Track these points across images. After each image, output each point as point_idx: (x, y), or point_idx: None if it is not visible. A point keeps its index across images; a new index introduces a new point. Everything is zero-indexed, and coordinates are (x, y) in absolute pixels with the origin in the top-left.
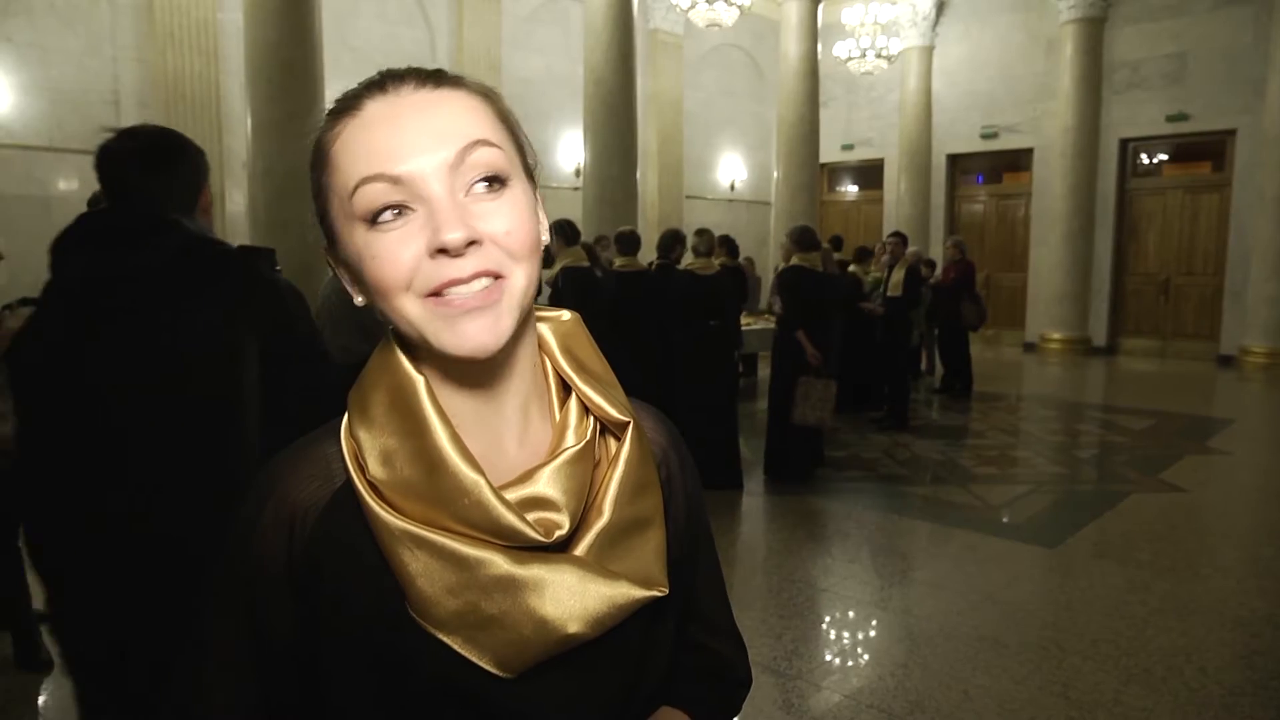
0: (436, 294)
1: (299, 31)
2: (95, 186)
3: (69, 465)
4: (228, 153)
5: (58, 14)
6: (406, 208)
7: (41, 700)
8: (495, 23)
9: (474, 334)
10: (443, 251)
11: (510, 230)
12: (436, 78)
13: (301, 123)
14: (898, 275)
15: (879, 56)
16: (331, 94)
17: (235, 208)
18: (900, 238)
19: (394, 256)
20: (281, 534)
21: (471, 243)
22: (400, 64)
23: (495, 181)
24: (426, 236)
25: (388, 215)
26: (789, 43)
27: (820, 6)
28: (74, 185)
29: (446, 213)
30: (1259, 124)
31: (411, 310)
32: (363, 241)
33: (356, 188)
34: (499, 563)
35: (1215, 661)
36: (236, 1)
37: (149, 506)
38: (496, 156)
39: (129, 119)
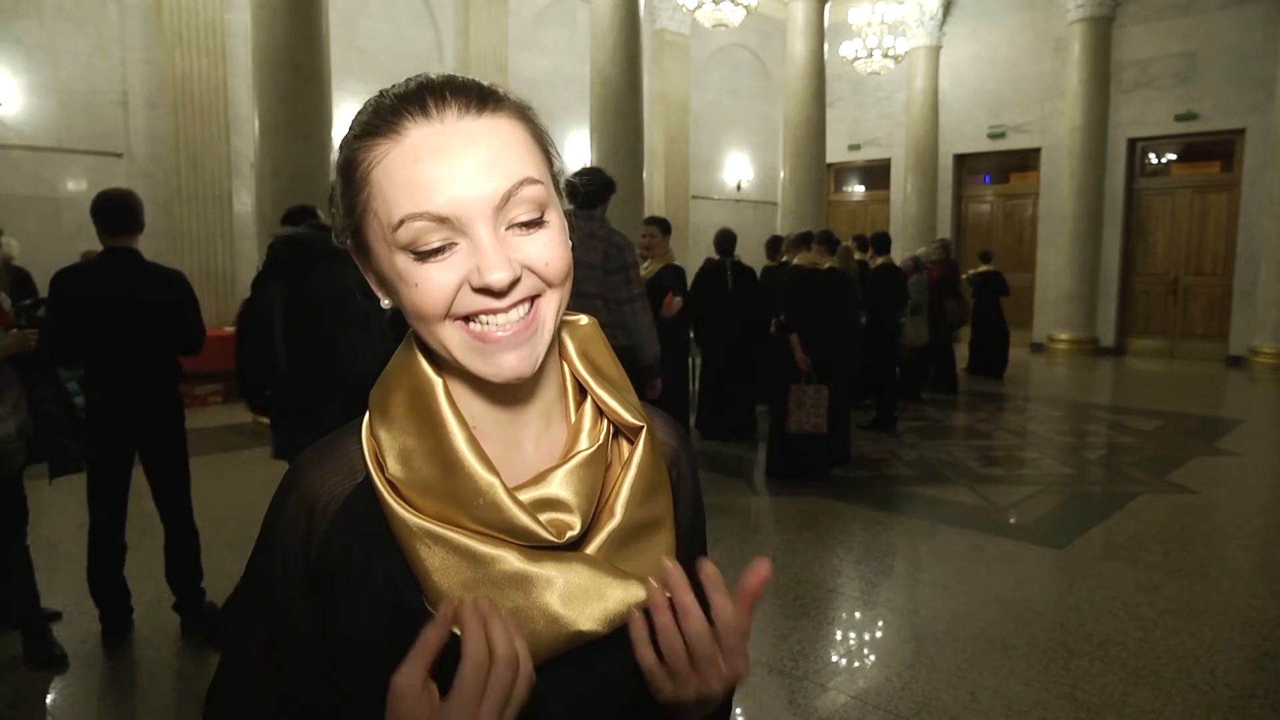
0: (475, 321)
1: (306, 32)
2: (102, 186)
3: None
4: (235, 153)
5: (66, 15)
6: (450, 242)
7: (50, 698)
8: (502, 23)
9: (510, 365)
10: (485, 289)
11: (549, 261)
12: (480, 100)
13: (309, 123)
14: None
15: (886, 56)
16: (339, 95)
17: (242, 208)
18: (878, 236)
19: (436, 287)
20: (302, 527)
21: (514, 281)
22: (407, 65)
23: (537, 216)
24: (468, 270)
25: (431, 248)
26: (795, 43)
27: (827, 6)
28: (82, 186)
29: (490, 253)
30: (1268, 123)
31: (449, 337)
32: (403, 268)
33: (401, 223)
34: (512, 559)
35: (1224, 664)
36: (244, 2)
37: None
38: (540, 193)
39: (137, 120)
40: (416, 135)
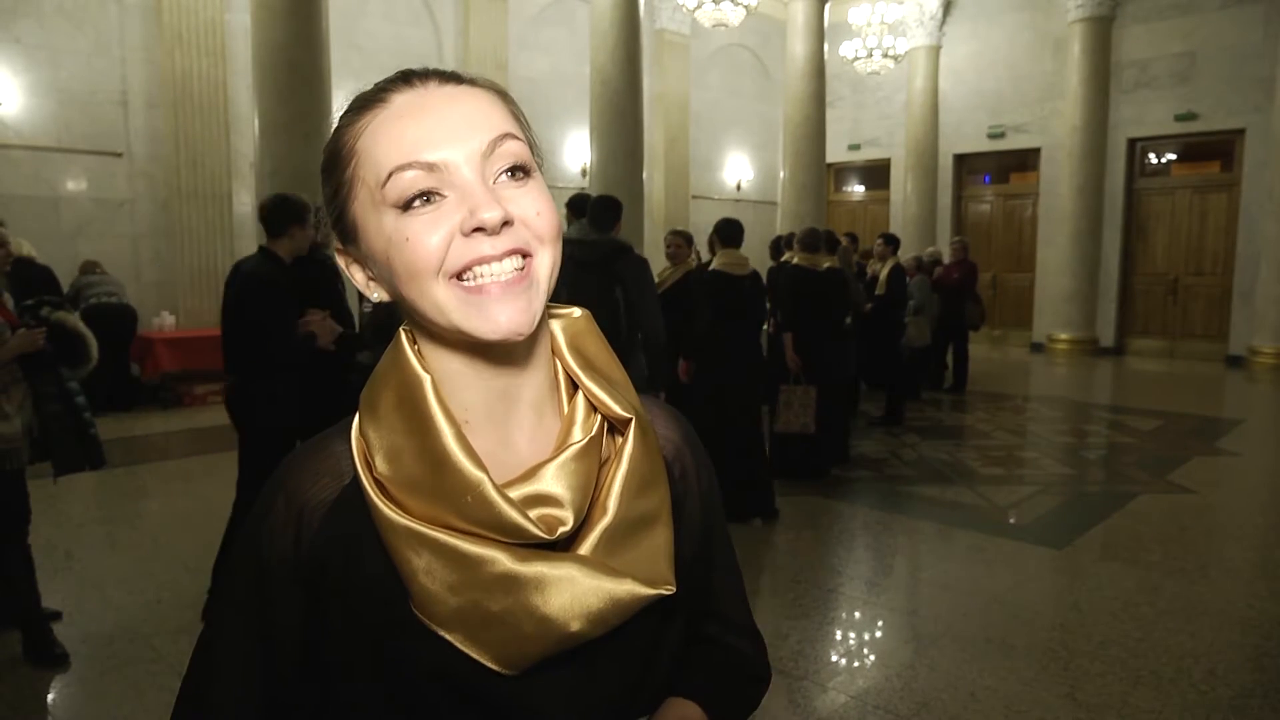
0: (468, 276)
1: (306, 32)
2: (102, 186)
3: None
4: (235, 153)
5: (66, 15)
6: (438, 194)
7: (50, 698)
8: (502, 23)
9: (507, 317)
10: (478, 230)
11: (540, 211)
12: (456, 76)
13: (309, 123)
14: (883, 274)
15: (886, 56)
16: (339, 95)
17: (242, 208)
18: (885, 239)
19: (427, 238)
20: (289, 530)
21: (505, 223)
22: (407, 64)
23: (520, 171)
24: (460, 217)
25: (419, 201)
26: (795, 43)
27: (826, 6)
28: (82, 185)
29: (481, 195)
30: (1268, 123)
31: (442, 295)
32: (393, 227)
33: (390, 176)
34: (501, 561)
35: (1224, 663)
36: (244, 2)
37: None
38: (521, 149)
39: (136, 119)
40: (400, 99)
